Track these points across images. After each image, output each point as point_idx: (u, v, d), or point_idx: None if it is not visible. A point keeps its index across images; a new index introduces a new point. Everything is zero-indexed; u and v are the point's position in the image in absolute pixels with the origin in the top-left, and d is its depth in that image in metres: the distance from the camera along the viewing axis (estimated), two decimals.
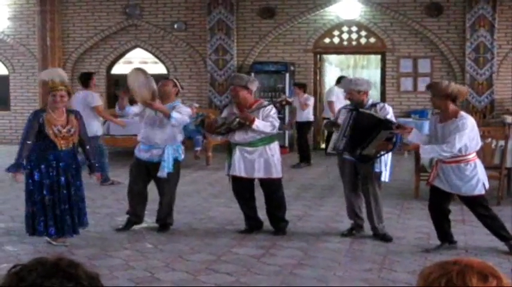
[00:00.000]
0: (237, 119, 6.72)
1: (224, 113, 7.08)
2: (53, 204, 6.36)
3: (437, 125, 6.08)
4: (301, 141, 12.52)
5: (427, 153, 6.16)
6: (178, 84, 7.25)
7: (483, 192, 6.04)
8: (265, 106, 6.88)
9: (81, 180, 6.63)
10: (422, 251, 6.27)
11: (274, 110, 6.91)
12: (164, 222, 7.16)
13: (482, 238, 6.52)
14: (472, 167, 5.96)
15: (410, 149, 6.32)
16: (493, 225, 6.14)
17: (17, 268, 1.54)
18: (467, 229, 7.01)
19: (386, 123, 6.35)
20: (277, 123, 6.86)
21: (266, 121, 6.73)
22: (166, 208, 7.13)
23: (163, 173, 6.91)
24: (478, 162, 6.06)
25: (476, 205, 6.11)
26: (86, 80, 10.15)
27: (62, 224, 6.40)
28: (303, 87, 12.69)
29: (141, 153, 7.07)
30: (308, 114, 12.50)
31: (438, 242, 6.36)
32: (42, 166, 6.33)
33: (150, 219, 7.37)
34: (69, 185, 6.43)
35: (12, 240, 6.78)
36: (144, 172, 7.09)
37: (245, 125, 6.70)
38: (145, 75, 6.94)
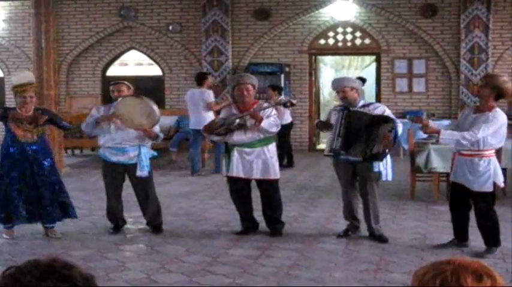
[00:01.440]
0: (237, 120, 6.71)
1: (222, 114, 7.06)
2: (22, 191, 6.75)
3: (470, 115, 6.03)
4: (281, 144, 11.89)
5: (447, 138, 6.03)
6: (130, 85, 7.19)
7: (491, 189, 6.01)
8: (266, 107, 6.89)
9: (57, 175, 7.01)
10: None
11: (275, 111, 6.93)
12: (156, 222, 7.15)
13: (477, 239, 6.51)
14: (485, 164, 5.93)
15: (430, 133, 6.30)
16: (488, 225, 6.11)
17: (12, 270, 1.53)
18: None
19: (382, 118, 6.35)
20: (279, 123, 6.90)
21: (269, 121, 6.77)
22: (153, 206, 7.12)
23: (143, 172, 6.91)
24: (494, 159, 6.00)
25: (481, 200, 6.06)
26: (201, 79, 11.17)
27: (33, 210, 6.79)
28: (277, 89, 11.99)
29: (115, 156, 6.95)
30: (284, 117, 11.38)
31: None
32: (6, 160, 6.78)
33: (144, 221, 7.36)
34: (34, 176, 6.75)
35: (7, 242, 6.77)
36: (121, 174, 7.07)
37: (245, 125, 6.70)
38: (147, 104, 6.88)
